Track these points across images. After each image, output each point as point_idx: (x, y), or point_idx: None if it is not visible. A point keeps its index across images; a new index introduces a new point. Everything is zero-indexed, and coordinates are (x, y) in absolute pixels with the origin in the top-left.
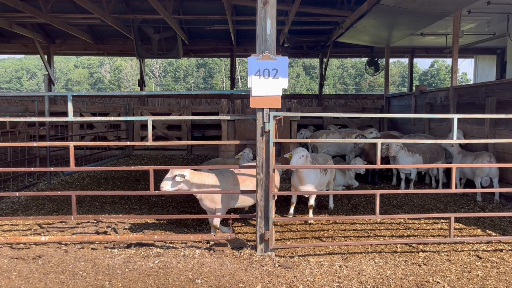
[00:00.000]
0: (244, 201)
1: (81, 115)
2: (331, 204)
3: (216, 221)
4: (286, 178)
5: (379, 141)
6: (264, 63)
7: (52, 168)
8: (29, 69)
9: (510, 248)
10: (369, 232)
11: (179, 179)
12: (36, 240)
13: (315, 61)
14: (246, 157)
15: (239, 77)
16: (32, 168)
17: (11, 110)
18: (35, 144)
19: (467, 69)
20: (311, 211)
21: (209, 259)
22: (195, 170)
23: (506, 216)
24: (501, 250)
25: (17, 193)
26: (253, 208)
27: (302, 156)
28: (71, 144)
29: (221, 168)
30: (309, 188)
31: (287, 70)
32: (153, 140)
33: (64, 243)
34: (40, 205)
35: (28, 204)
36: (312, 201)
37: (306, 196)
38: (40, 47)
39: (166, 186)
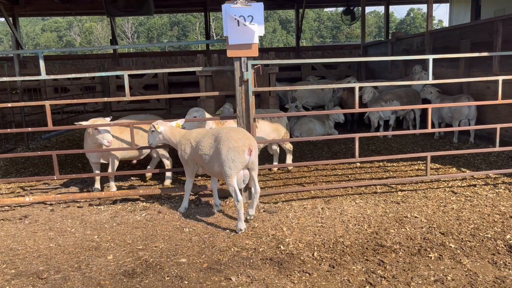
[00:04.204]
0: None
1: (55, 80)
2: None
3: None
4: None
5: (356, 85)
6: (239, 9)
7: (29, 128)
8: None
9: (483, 183)
10: (350, 176)
11: None
12: (20, 201)
13: (292, 14)
14: (226, 112)
15: (214, 34)
16: (8, 130)
17: None
18: (9, 104)
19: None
20: (289, 158)
21: (195, 210)
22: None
23: (478, 152)
24: (474, 185)
25: None
26: None
27: (195, 117)
28: (47, 103)
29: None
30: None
31: (263, 17)
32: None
33: (49, 203)
34: (20, 170)
35: (8, 169)
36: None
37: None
38: (3, 8)
39: None
